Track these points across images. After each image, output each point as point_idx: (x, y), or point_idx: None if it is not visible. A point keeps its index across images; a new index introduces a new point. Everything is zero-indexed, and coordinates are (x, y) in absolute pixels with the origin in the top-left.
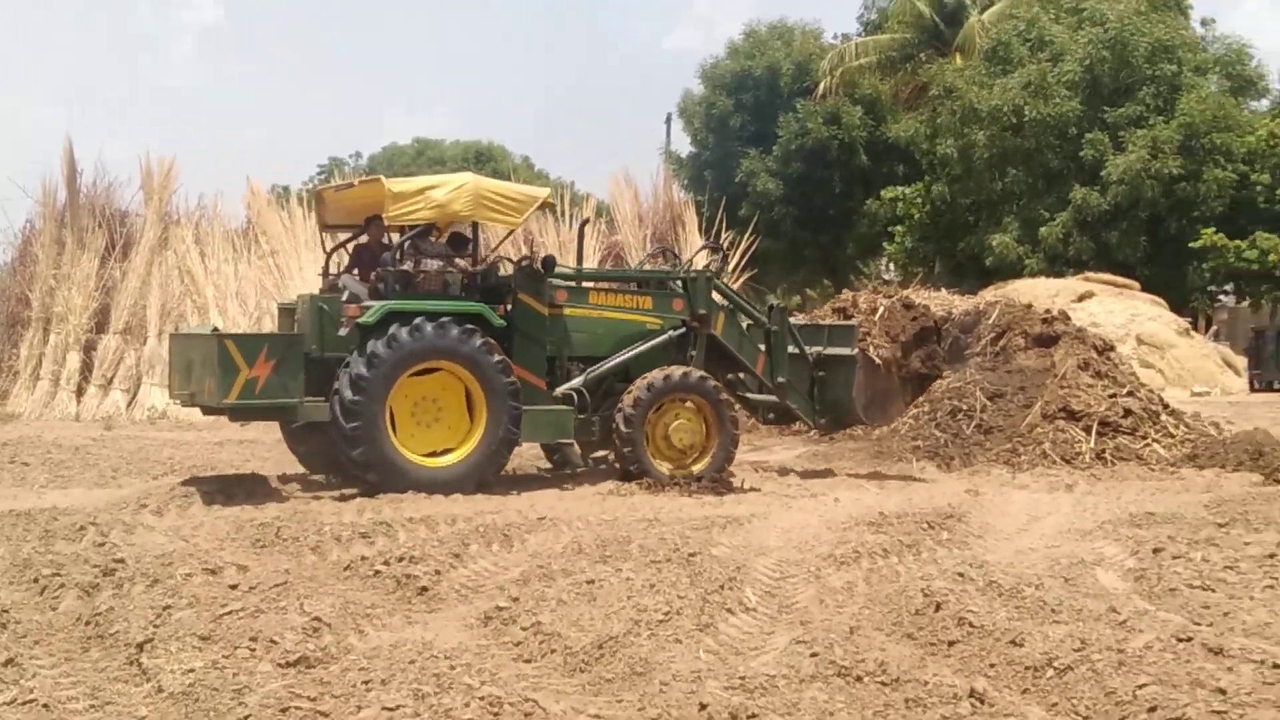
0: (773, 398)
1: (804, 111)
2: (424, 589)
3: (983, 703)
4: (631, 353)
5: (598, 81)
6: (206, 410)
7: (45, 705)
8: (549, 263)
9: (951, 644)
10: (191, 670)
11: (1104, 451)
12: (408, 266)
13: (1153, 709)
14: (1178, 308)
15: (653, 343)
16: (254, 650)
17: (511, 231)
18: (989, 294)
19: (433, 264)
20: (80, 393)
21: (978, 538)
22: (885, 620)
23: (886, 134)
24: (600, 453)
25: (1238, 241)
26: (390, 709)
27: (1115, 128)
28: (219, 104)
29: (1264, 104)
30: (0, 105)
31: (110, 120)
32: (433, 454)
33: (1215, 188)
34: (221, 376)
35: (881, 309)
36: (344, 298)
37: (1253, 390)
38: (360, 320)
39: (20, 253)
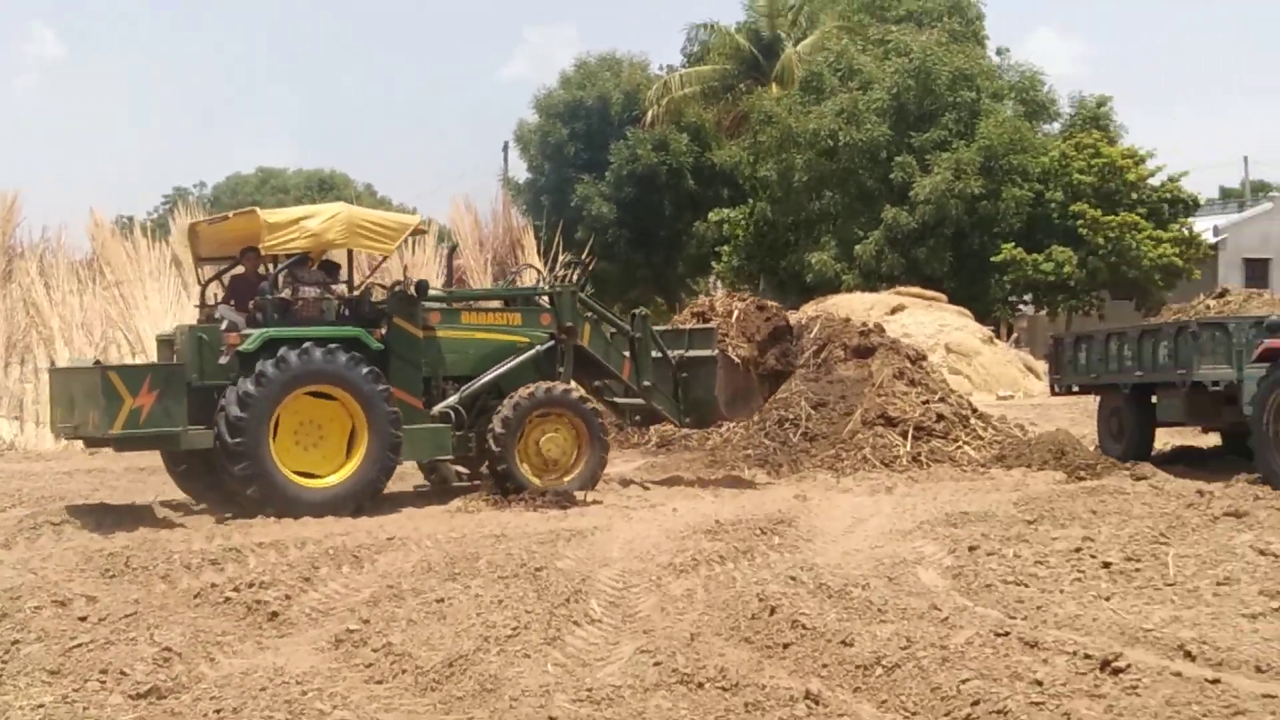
0: (639, 401)
1: (634, 139)
2: (275, 614)
3: (817, 704)
4: (504, 368)
5: (437, 111)
6: (90, 442)
7: None
8: (422, 287)
9: (786, 646)
10: (41, 705)
11: (920, 455)
12: (285, 295)
13: (975, 702)
14: (981, 317)
15: (523, 358)
16: (104, 683)
17: (385, 258)
18: (810, 309)
19: (310, 291)
20: None
21: (807, 541)
22: (724, 626)
23: (711, 159)
24: (461, 468)
25: (1035, 255)
26: None
27: (921, 151)
28: (62, 136)
29: (1055, 127)
30: None
31: None
32: (304, 475)
33: (1013, 205)
34: (106, 407)
35: (737, 311)
36: (223, 327)
37: (1053, 393)
38: (241, 348)
39: None
